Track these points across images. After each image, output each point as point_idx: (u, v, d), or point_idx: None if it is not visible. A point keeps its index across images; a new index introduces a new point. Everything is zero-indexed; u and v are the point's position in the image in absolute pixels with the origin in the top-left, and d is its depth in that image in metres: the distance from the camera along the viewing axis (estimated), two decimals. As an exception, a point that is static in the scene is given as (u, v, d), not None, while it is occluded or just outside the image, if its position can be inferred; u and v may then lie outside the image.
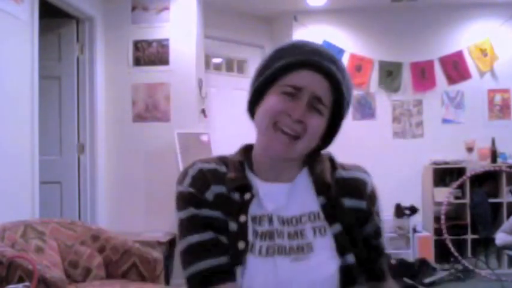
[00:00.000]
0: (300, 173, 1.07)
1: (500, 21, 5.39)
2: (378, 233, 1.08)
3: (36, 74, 3.52)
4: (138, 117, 4.56)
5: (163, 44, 4.54)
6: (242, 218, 0.99)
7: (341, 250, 0.99)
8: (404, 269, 4.71)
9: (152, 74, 4.55)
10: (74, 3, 4.09)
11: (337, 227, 1.01)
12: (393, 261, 4.83)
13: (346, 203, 1.05)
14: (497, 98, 5.43)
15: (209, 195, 1.01)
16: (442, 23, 5.49)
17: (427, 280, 4.55)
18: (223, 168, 1.05)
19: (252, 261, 0.97)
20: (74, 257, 3.14)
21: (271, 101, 1.01)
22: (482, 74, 5.44)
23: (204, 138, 4.53)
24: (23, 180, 3.38)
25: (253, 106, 1.06)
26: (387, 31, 5.53)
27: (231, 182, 1.02)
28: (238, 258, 0.97)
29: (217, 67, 5.62)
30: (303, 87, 1.00)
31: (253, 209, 1.01)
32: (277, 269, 0.97)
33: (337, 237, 1.00)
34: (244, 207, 1.00)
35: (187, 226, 1.01)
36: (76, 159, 4.33)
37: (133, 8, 4.58)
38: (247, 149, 1.10)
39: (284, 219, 1.02)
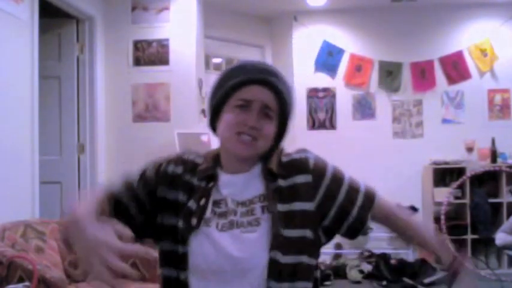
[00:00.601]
0: (255, 165, 1.26)
1: (500, 21, 5.39)
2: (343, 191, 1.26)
3: (36, 74, 3.52)
4: (138, 117, 4.56)
5: (163, 44, 4.54)
6: (202, 201, 1.21)
7: (273, 225, 1.18)
8: (404, 269, 4.71)
9: (152, 74, 4.55)
10: (74, 3, 4.09)
11: (278, 206, 1.20)
12: (393, 261, 4.83)
13: (298, 180, 1.23)
14: (497, 98, 5.43)
15: (170, 169, 1.29)
16: (442, 23, 5.48)
17: (427, 280, 4.55)
18: (199, 160, 1.29)
19: (205, 234, 1.18)
20: (74, 257, 3.14)
21: (229, 117, 1.22)
22: (482, 74, 5.44)
23: (204, 138, 4.53)
24: (23, 180, 3.38)
25: (213, 122, 1.28)
26: (387, 31, 5.53)
27: (200, 172, 1.25)
28: (190, 231, 1.18)
29: (217, 67, 5.62)
30: (254, 99, 1.20)
31: (215, 195, 1.23)
32: (222, 239, 1.18)
33: (273, 215, 1.19)
34: (206, 192, 1.22)
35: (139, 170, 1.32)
36: (76, 159, 4.33)
37: (133, 8, 4.58)
38: None
39: (239, 201, 1.22)
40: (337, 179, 1.26)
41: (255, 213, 1.20)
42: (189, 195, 1.23)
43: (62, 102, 4.33)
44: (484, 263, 4.90)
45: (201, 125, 4.64)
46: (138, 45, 4.56)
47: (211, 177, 1.24)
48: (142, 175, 1.30)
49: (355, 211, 1.25)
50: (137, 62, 4.57)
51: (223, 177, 1.25)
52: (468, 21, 5.47)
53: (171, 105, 4.52)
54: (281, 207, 1.19)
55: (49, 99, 4.20)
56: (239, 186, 1.24)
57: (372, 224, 1.31)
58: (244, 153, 1.21)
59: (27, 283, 1.57)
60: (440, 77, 5.47)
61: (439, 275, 4.69)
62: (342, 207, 1.24)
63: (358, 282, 4.75)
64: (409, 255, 5.13)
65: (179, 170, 1.28)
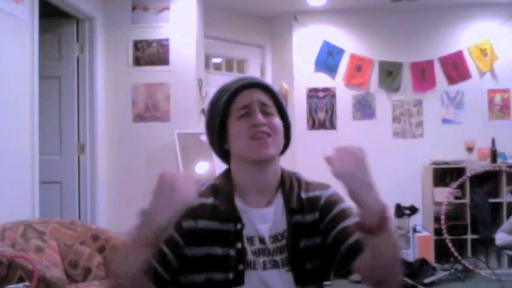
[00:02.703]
0: (276, 196, 1.26)
1: (500, 21, 5.39)
2: (344, 215, 1.25)
3: (36, 74, 3.51)
4: (138, 117, 4.56)
5: (163, 44, 4.54)
6: (239, 245, 1.19)
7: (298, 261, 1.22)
8: (404, 269, 4.71)
9: (152, 74, 4.55)
10: (74, 3, 4.09)
11: (302, 241, 1.22)
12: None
13: (307, 218, 1.24)
14: (497, 98, 5.43)
15: (187, 225, 1.21)
16: (442, 23, 5.48)
17: (427, 280, 4.55)
18: (205, 200, 1.24)
19: (253, 276, 1.18)
20: (74, 257, 3.14)
21: (236, 128, 1.24)
22: (482, 74, 5.44)
23: (204, 138, 4.52)
24: (23, 180, 3.38)
25: (221, 147, 1.29)
26: (387, 31, 5.53)
27: (223, 215, 1.21)
28: (240, 277, 1.18)
29: (217, 67, 5.62)
30: (250, 102, 1.24)
31: (246, 232, 1.21)
32: (273, 280, 1.19)
33: (295, 251, 1.21)
34: (238, 235, 1.20)
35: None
36: (76, 159, 4.33)
37: (134, 8, 4.58)
38: (229, 173, 1.30)
39: (272, 237, 1.22)
40: (343, 211, 1.26)
41: (285, 250, 1.22)
42: (218, 243, 1.20)
43: (62, 102, 4.33)
44: (484, 263, 4.90)
45: (201, 125, 4.64)
46: (138, 45, 4.56)
47: (236, 219, 1.22)
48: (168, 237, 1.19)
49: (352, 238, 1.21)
50: (137, 62, 4.57)
51: (250, 212, 1.23)
52: (468, 21, 5.47)
53: (171, 105, 4.52)
54: (303, 242, 1.23)
55: (49, 99, 4.20)
56: (270, 220, 1.24)
57: None
58: (263, 154, 1.21)
59: (27, 283, 1.57)
60: (440, 77, 5.47)
61: (439, 275, 4.70)
62: (342, 230, 1.23)
63: (358, 282, 4.75)
64: (409, 255, 5.13)
65: (192, 223, 1.21)
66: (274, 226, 1.23)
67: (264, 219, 1.23)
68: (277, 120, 1.25)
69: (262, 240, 1.21)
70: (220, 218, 1.21)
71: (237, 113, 1.24)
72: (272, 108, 1.26)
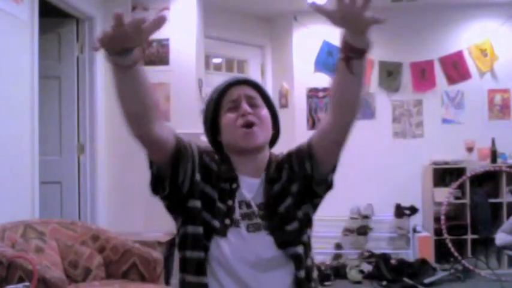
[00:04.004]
0: (263, 173, 1.40)
1: (500, 21, 5.39)
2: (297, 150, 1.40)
3: (36, 74, 3.51)
4: (138, 117, 4.55)
5: (163, 44, 4.54)
6: (230, 202, 1.33)
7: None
8: (404, 269, 4.71)
9: (152, 74, 4.53)
10: (74, 3, 4.08)
11: (281, 206, 1.36)
12: (393, 261, 4.83)
13: (283, 185, 1.37)
14: (497, 98, 5.43)
15: (206, 160, 1.39)
16: (442, 23, 5.49)
17: (427, 280, 4.55)
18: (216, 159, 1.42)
19: (236, 233, 1.30)
20: (74, 257, 3.14)
21: (226, 119, 1.38)
22: (482, 74, 5.44)
23: (204, 138, 4.52)
24: (23, 180, 3.38)
25: (214, 138, 1.44)
26: (387, 31, 5.51)
27: (224, 173, 1.37)
28: (225, 229, 1.30)
29: (217, 67, 5.62)
30: (238, 96, 1.38)
31: (238, 196, 1.36)
32: (255, 241, 1.30)
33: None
34: (232, 193, 1.35)
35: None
36: (76, 159, 4.33)
37: (134, 8, 4.58)
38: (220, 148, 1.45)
39: (257, 204, 1.35)
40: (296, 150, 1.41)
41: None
42: (218, 194, 1.34)
43: (62, 102, 4.33)
44: (484, 263, 4.90)
45: (201, 125, 4.64)
46: (138, 45, 4.56)
47: (233, 179, 1.36)
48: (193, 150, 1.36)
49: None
50: (137, 62, 4.56)
51: (244, 180, 1.37)
52: (468, 21, 5.47)
53: (171, 105, 4.52)
54: (282, 207, 1.35)
55: (49, 99, 4.20)
56: (258, 190, 1.37)
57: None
58: (250, 143, 1.35)
59: (27, 283, 1.57)
60: (440, 77, 5.47)
61: (439, 275, 4.70)
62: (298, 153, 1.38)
63: (358, 283, 4.75)
64: (409, 255, 5.13)
65: (213, 166, 1.38)
66: (257, 196, 1.36)
67: (250, 189, 1.36)
68: (264, 111, 1.39)
69: (248, 206, 1.34)
70: (221, 176, 1.36)
71: (227, 106, 1.39)
72: (259, 101, 1.40)
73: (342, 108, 1.26)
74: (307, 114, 5.53)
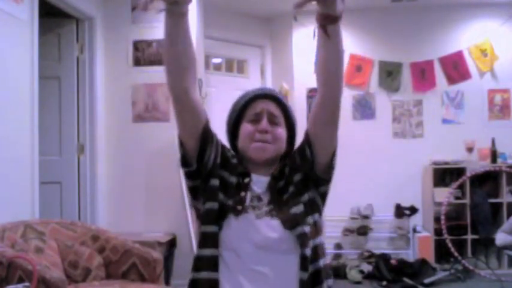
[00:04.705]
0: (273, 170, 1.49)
1: (500, 21, 5.39)
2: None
3: (36, 74, 3.51)
4: (138, 118, 4.55)
5: (163, 44, 4.53)
6: (242, 193, 1.42)
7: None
8: (404, 269, 4.71)
9: (152, 74, 4.54)
10: (74, 3, 4.08)
11: (284, 195, 1.45)
12: (393, 262, 4.83)
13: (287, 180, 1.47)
14: (497, 98, 5.43)
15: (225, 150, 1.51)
16: (442, 23, 5.48)
17: (427, 280, 4.55)
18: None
19: (245, 221, 1.38)
20: (74, 257, 3.14)
21: (245, 128, 1.48)
22: (482, 74, 5.44)
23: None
24: (23, 180, 3.38)
25: (233, 140, 1.53)
26: (387, 31, 5.53)
27: (234, 168, 1.46)
28: (236, 213, 1.38)
29: (217, 67, 5.62)
30: (261, 111, 1.47)
31: (249, 189, 1.45)
32: (263, 225, 1.37)
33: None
34: (245, 186, 1.44)
35: None
36: (76, 160, 4.33)
37: (133, 8, 4.58)
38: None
39: (267, 198, 1.43)
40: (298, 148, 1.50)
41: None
42: (234, 182, 1.45)
43: (61, 103, 4.33)
44: (484, 263, 4.90)
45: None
46: (138, 45, 4.56)
47: (245, 174, 1.46)
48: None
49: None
50: (137, 62, 4.56)
51: (255, 177, 1.46)
52: (468, 21, 5.47)
53: (171, 105, 4.51)
54: (285, 195, 1.44)
55: (49, 99, 4.20)
56: (267, 186, 1.46)
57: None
58: (260, 157, 1.45)
59: (27, 283, 1.57)
60: (440, 77, 5.47)
61: (439, 275, 4.70)
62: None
63: (358, 283, 4.75)
64: (409, 255, 5.13)
65: (230, 158, 1.50)
66: (266, 192, 1.45)
67: (260, 186, 1.45)
68: (280, 131, 1.48)
69: (259, 199, 1.43)
70: (232, 170, 1.46)
71: (249, 117, 1.48)
72: (280, 119, 1.48)
73: (327, 79, 1.35)
74: (307, 114, 5.52)
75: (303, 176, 1.44)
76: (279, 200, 1.42)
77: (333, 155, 1.43)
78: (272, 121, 1.46)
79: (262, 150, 1.45)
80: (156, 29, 4.55)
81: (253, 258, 1.34)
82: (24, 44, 3.42)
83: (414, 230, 5.20)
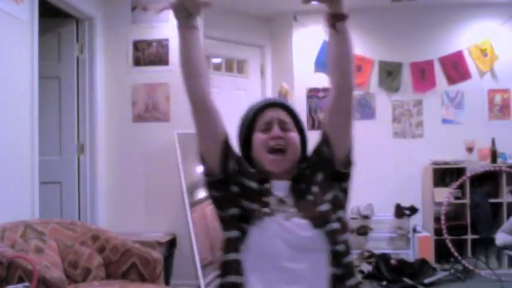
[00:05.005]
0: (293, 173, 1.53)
1: (500, 21, 5.39)
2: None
3: (36, 74, 3.51)
4: (138, 118, 4.56)
5: (163, 44, 4.54)
6: (265, 199, 1.44)
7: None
8: (404, 269, 4.71)
9: (152, 74, 4.55)
10: (74, 3, 4.08)
11: (308, 196, 1.48)
12: (393, 262, 4.83)
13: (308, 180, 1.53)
14: (497, 98, 5.43)
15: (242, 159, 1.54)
16: (442, 23, 5.48)
17: (427, 280, 4.55)
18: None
19: (274, 222, 1.40)
20: (74, 257, 3.14)
21: (258, 138, 1.52)
22: (482, 74, 5.44)
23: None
24: (23, 180, 3.38)
25: (247, 150, 1.56)
26: (387, 31, 5.53)
27: (254, 175, 1.49)
28: (262, 217, 1.40)
29: (217, 67, 5.62)
30: (271, 119, 1.52)
31: (271, 194, 1.47)
32: (292, 226, 1.39)
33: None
34: (266, 192, 1.46)
35: None
36: (76, 159, 4.33)
37: (133, 8, 4.58)
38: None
39: (290, 201, 1.46)
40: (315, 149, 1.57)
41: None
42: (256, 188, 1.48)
43: (61, 102, 4.33)
44: (484, 263, 4.90)
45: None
46: (138, 45, 4.56)
47: (265, 180, 1.49)
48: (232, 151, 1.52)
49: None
50: (137, 62, 4.57)
51: (274, 183, 1.49)
52: (468, 21, 5.47)
53: (171, 105, 4.52)
54: (310, 196, 1.46)
55: (49, 99, 4.20)
56: (288, 190, 1.49)
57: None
58: (279, 169, 1.49)
59: (27, 283, 1.57)
60: (440, 77, 5.47)
61: (439, 275, 4.70)
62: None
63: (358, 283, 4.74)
64: (409, 255, 5.13)
65: (247, 166, 1.53)
66: (288, 195, 1.48)
67: (281, 190, 1.48)
68: (293, 134, 1.52)
69: (282, 202, 1.45)
70: (252, 177, 1.49)
71: (260, 127, 1.52)
72: (290, 125, 1.53)
73: (341, 73, 1.46)
74: (307, 114, 5.52)
75: (324, 175, 1.49)
76: (304, 201, 1.45)
77: (350, 149, 1.52)
78: (283, 127, 1.51)
79: (278, 163, 1.49)
80: (156, 29, 4.56)
81: (286, 257, 1.37)
82: (24, 44, 3.42)
83: (414, 230, 5.20)
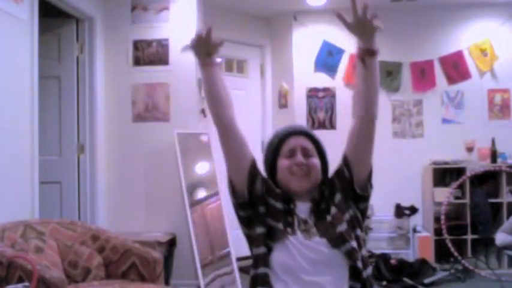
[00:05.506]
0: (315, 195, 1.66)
1: (500, 21, 5.39)
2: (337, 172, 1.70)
3: (36, 74, 3.51)
4: (138, 117, 4.56)
5: (163, 44, 4.54)
6: (289, 219, 1.57)
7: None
8: (404, 269, 4.71)
9: (152, 74, 4.55)
10: (74, 3, 4.08)
11: (327, 217, 1.61)
12: (393, 261, 4.83)
13: (328, 201, 1.65)
14: (497, 98, 5.43)
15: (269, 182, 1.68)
16: (442, 23, 5.48)
17: (427, 280, 4.55)
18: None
19: (296, 241, 1.52)
20: (74, 257, 3.14)
21: (282, 164, 1.66)
22: (482, 74, 5.44)
23: (204, 138, 4.53)
24: (23, 180, 3.38)
25: (273, 174, 1.70)
26: (387, 31, 5.48)
27: (280, 195, 1.61)
28: (286, 235, 1.53)
29: (217, 67, 5.61)
30: (295, 146, 1.67)
31: (295, 214, 1.60)
32: (312, 244, 1.52)
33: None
34: (291, 212, 1.60)
35: None
36: (76, 159, 4.33)
37: (133, 8, 4.58)
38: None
39: (312, 222, 1.58)
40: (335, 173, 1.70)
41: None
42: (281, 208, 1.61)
43: (61, 102, 4.33)
44: (484, 263, 4.90)
45: (201, 125, 4.64)
46: (137, 45, 4.56)
47: (290, 200, 1.62)
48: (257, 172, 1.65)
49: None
50: (137, 61, 4.56)
51: (298, 204, 1.62)
52: (468, 21, 5.47)
53: (171, 105, 4.52)
54: (329, 217, 1.58)
55: (49, 99, 4.20)
56: (310, 211, 1.61)
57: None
58: (302, 187, 1.62)
59: (26, 283, 1.57)
60: (440, 77, 5.47)
61: (439, 275, 4.70)
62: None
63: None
64: (409, 255, 5.13)
65: (274, 187, 1.66)
66: (310, 216, 1.60)
67: (304, 211, 1.61)
68: (315, 160, 1.66)
69: (305, 222, 1.57)
70: (277, 197, 1.61)
71: (285, 154, 1.66)
72: (312, 151, 1.67)
73: (364, 102, 1.59)
74: (306, 114, 5.53)
75: (342, 196, 1.61)
76: (323, 221, 1.57)
77: (370, 173, 1.68)
78: (306, 154, 1.65)
79: (301, 182, 1.62)
80: (156, 29, 4.56)
81: (308, 272, 1.48)
82: (24, 44, 3.42)
83: (414, 230, 5.20)
